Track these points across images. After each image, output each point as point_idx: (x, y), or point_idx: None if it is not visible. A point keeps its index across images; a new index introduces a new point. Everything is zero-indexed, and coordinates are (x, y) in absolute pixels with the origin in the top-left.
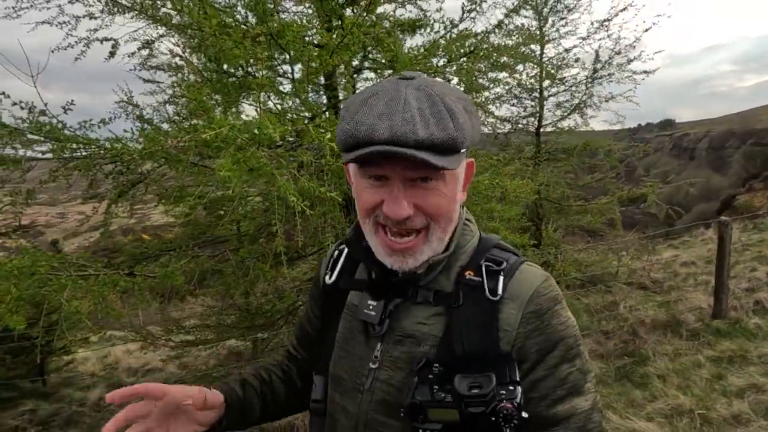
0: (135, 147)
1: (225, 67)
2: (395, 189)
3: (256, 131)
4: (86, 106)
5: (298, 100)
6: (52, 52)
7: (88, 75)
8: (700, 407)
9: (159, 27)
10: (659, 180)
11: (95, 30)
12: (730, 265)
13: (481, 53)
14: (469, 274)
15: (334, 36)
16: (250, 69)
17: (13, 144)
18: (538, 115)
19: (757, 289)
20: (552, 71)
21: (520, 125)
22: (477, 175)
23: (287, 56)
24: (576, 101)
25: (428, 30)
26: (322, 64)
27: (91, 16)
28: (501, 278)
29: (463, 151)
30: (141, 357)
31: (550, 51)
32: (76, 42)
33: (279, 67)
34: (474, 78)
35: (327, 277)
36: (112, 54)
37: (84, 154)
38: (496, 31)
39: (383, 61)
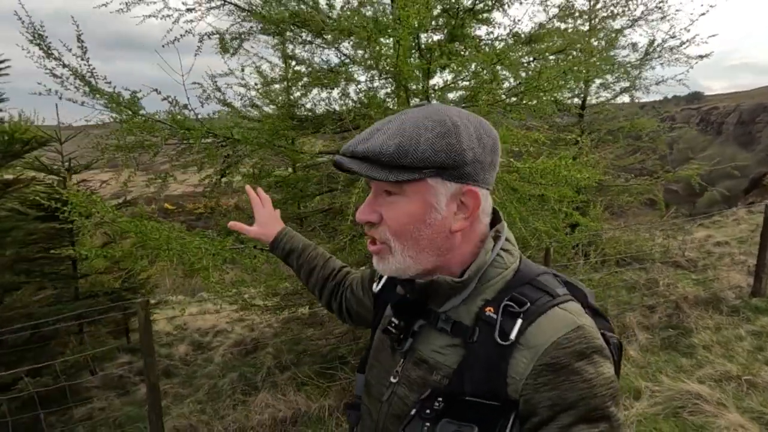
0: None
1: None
2: (369, 196)
3: None
4: (99, 72)
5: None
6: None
7: (98, 41)
8: (746, 373)
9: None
10: (706, 162)
11: (191, 21)
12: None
13: (545, 39)
14: (489, 311)
15: None
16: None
17: (151, 133)
18: (582, 96)
19: None
20: (601, 55)
21: (564, 105)
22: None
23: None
24: (625, 84)
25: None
26: None
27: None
28: (519, 322)
29: (412, 168)
30: (208, 319)
31: (599, 32)
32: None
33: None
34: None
35: (375, 285)
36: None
37: (208, 140)
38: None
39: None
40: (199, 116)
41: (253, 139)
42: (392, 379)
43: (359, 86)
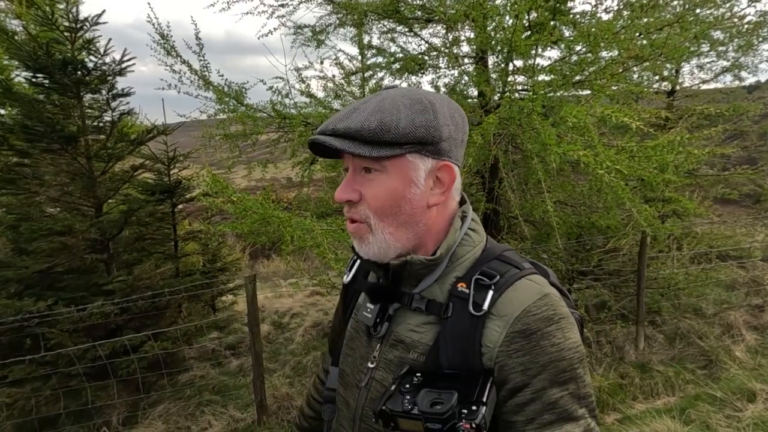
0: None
1: None
2: (347, 176)
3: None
4: (155, 73)
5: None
6: (258, 38)
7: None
8: None
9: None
10: None
11: (282, 15)
12: None
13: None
14: (461, 286)
15: None
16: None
17: (255, 124)
18: (672, 77)
19: None
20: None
21: (652, 88)
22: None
23: None
24: (726, 63)
25: None
26: None
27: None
28: (490, 293)
29: (393, 144)
30: (284, 303)
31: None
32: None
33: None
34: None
35: (345, 276)
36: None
37: (301, 128)
38: None
39: None
40: (298, 104)
41: None
42: (370, 365)
43: (453, 71)
